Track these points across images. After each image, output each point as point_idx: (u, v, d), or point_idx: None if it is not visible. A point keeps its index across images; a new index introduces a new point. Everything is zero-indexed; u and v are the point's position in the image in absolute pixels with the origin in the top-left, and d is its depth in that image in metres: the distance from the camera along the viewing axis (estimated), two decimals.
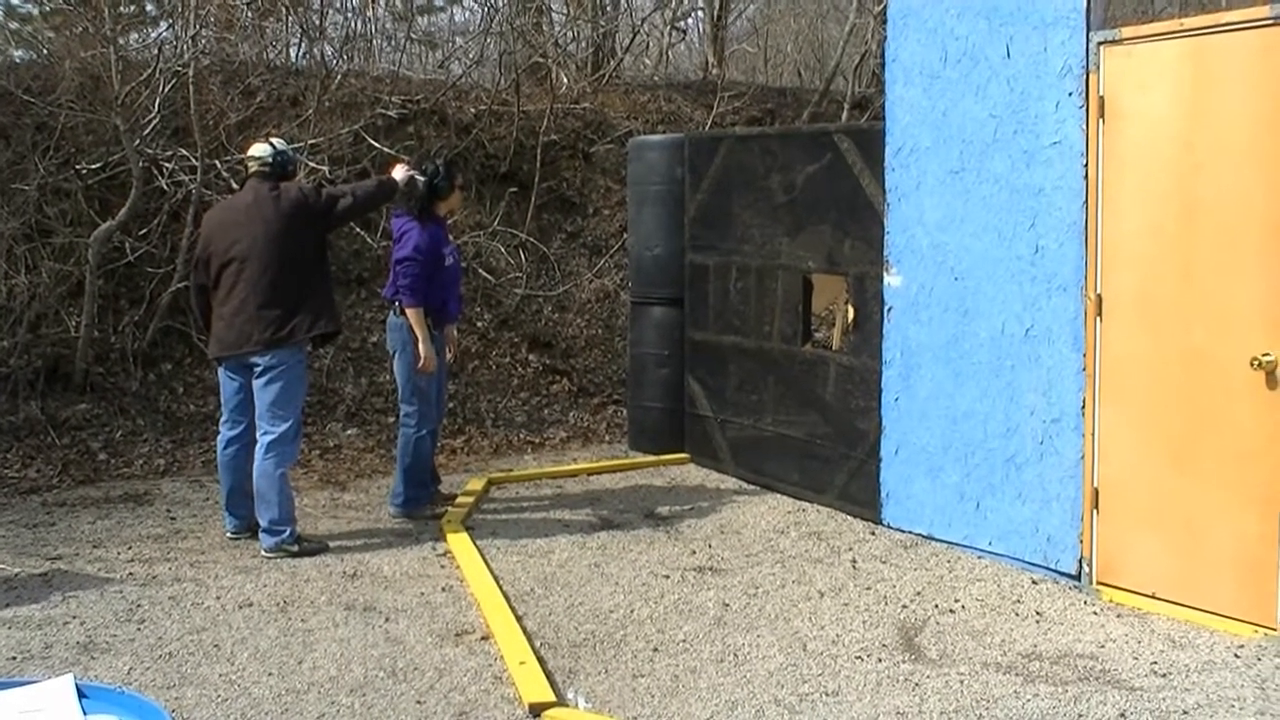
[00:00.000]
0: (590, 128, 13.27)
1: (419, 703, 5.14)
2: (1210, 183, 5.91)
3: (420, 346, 7.62)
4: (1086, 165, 6.39)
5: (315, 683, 5.34)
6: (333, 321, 7.24)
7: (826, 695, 5.26)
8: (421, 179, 7.73)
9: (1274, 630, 5.80)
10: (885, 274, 7.61)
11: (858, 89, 15.60)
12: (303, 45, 12.53)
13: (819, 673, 5.50)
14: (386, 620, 6.09)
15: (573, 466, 9.34)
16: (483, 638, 5.87)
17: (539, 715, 5.02)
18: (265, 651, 5.69)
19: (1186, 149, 6.00)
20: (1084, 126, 6.39)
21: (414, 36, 16.93)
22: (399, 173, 7.65)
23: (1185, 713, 5.07)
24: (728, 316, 9.07)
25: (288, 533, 7.05)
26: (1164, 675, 5.45)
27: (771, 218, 8.61)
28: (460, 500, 8.15)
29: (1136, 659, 5.65)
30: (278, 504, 7.01)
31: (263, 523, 7.06)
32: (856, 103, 15.24)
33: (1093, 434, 6.47)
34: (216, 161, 10.09)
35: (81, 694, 2.65)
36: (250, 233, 7.05)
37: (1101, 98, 6.31)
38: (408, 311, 7.63)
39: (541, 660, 5.56)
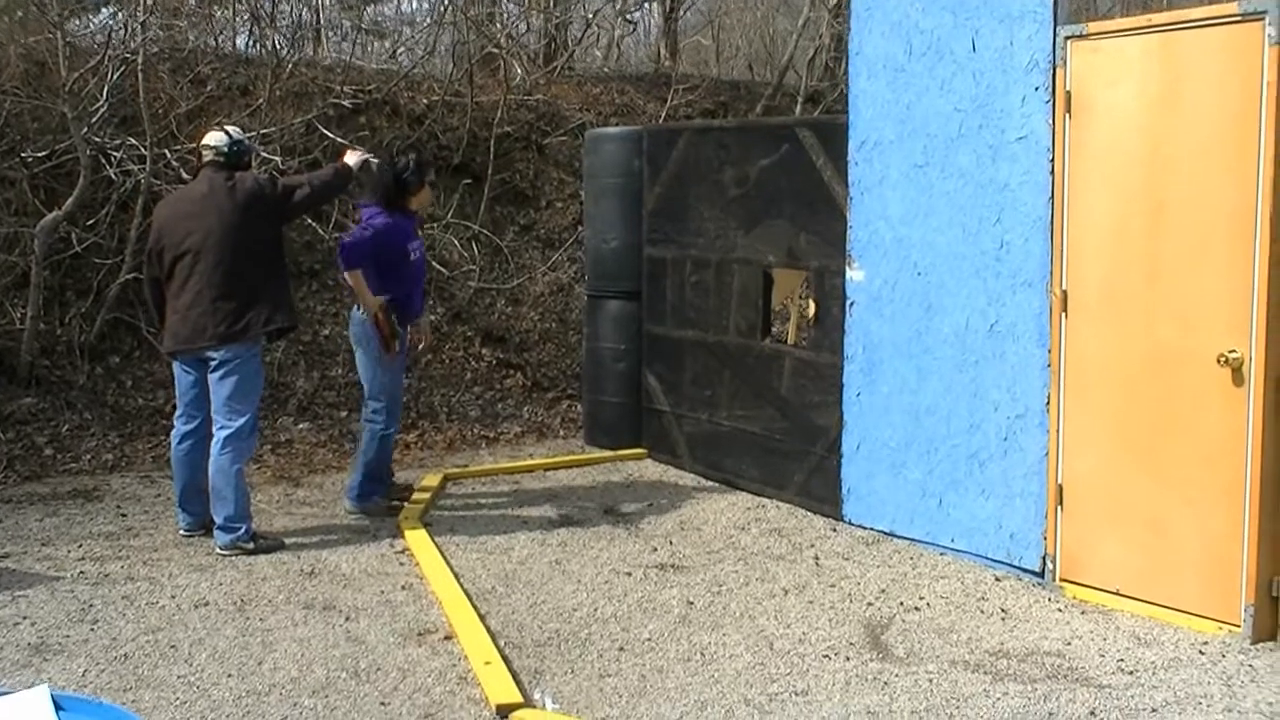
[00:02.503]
0: (543, 119, 13.16)
1: (383, 704, 5.05)
2: (1177, 179, 5.89)
3: (363, 300, 7.50)
4: (1053, 160, 6.37)
5: (277, 684, 5.23)
6: (289, 316, 7.10)
7: (796, 695, 5.21)
8: (375, 161, 7.59)
9: (1238, 628, 5.80)
10: (847, 268, 7.57)
11: (811, 83, 15.56)
12: (253, 33, 12.34)
13: (787, 672, 5.44)
14: (347, 619, 5.99)
15: (530, 462, 9.24)
16: (446, 637, 5.78)
17: (506, 716, 4.94)
18: (224, 652, 5.57)
19: (1154, 145, 5.98)
20: (1050, 121, 6.37)
21: (361, 26, 16.78)
22: (351, 158, 7.50)
23: (1154, 710, 5.06)
24: (686, 311, 9.00)
25: (243, 530, 6.92)
26: (1131, 673, 5.44)
27: (731, 211, 8.55)
28: (417, 497, 8.03)
29: (1103, 656, 5.63)
30: (233, 500, 6.88)
31: (218, 519, 6.93)
32: (809, 96, 15.20)
33: (1057, 430, 6.45)
34: (166, 151, 9.92)
35: (58, 705, 2.54)
36: (204, 224, 6.90)
37: (1068, 93, 6.28)
38: (346, 275, 7.50)
39: (507, 660, 5.47)
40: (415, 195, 7.75)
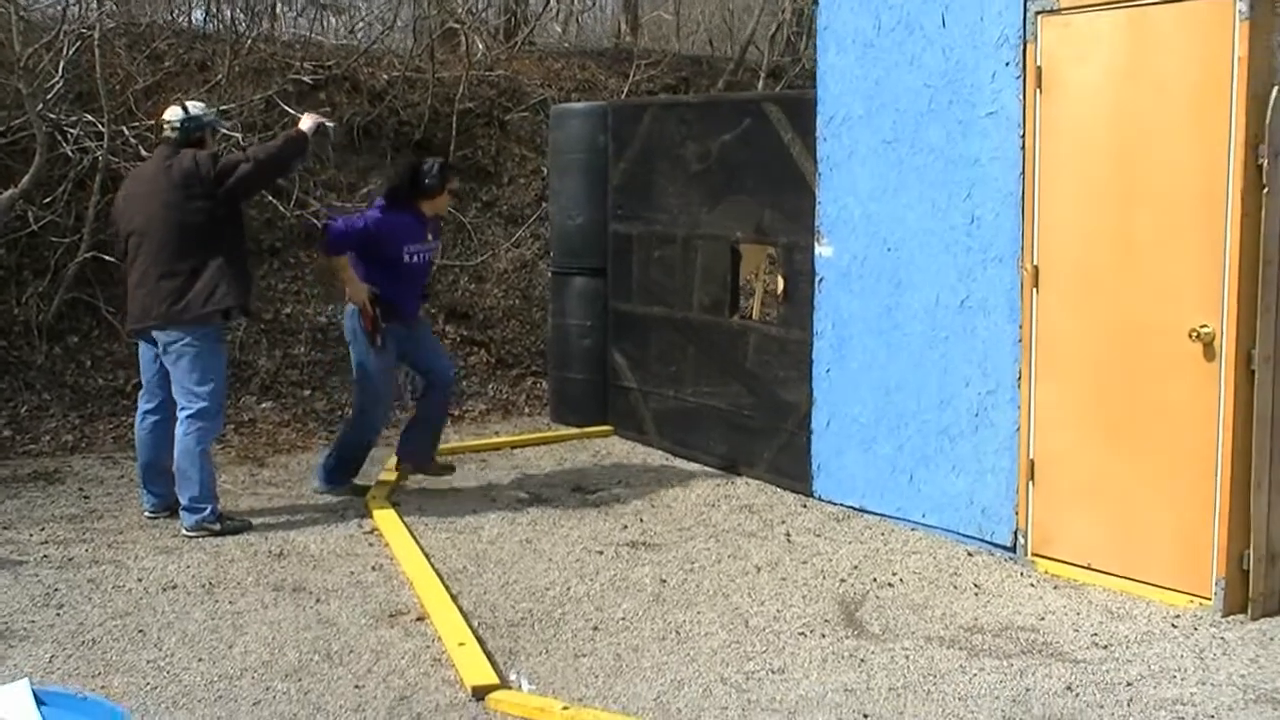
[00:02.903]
0: (505, 95, 13.05)
1: (357, 687, 4.99)
2: (1149, 154, 5.89)
3: (349, 289, 7.46)
4: (1023, 136, 6.35)
5: (248, 668, 5.17)
6: (233, 296, 6.82)
7: (773, 673, 5.19)
8: (331, 125, 7.37)
9: (1208, 600, 5.83)
10: (816, 244, 7.54)
11: (773, 58, 15.50)
12: (210, 8, 12.18)
13: (763, 650, 5.43)
14: (318, 601, 5.93)
15: (496, 440, 9.20)
16: (418, 618, 5.73)
17: (482, 698, 4.89)
18: (194, 636, 5.50)
19: (1125, 120, 5.97)
20: (1021, 97, 6.35)
21: (320, 1, 16.60)
22: (306, 123, 7.21)
23: (1129, 684, 5.07)
24: (653, 287, 8.96)
25: (208, 510, 6.84)
26: (1105, 647, 5.45)
27: (697, 187, 8.51)
28: (383, 476, 7.96)
29: (1077, 631, 5.64)
30: (198, 481, 6.80)
31: (183, 500, 6.85)
32: (771, 71, 15.14)
33: (1029, 406, 6.45)
34: (124, 128, 9.77)
35: (40, 700, 2.48)
36: (149, 204, 6.84)
37: (1039, 68, 6.27)
38: (331, 258, 7.51)
39: (481, 641, 5.43)
40: (431, 199, 7.58)
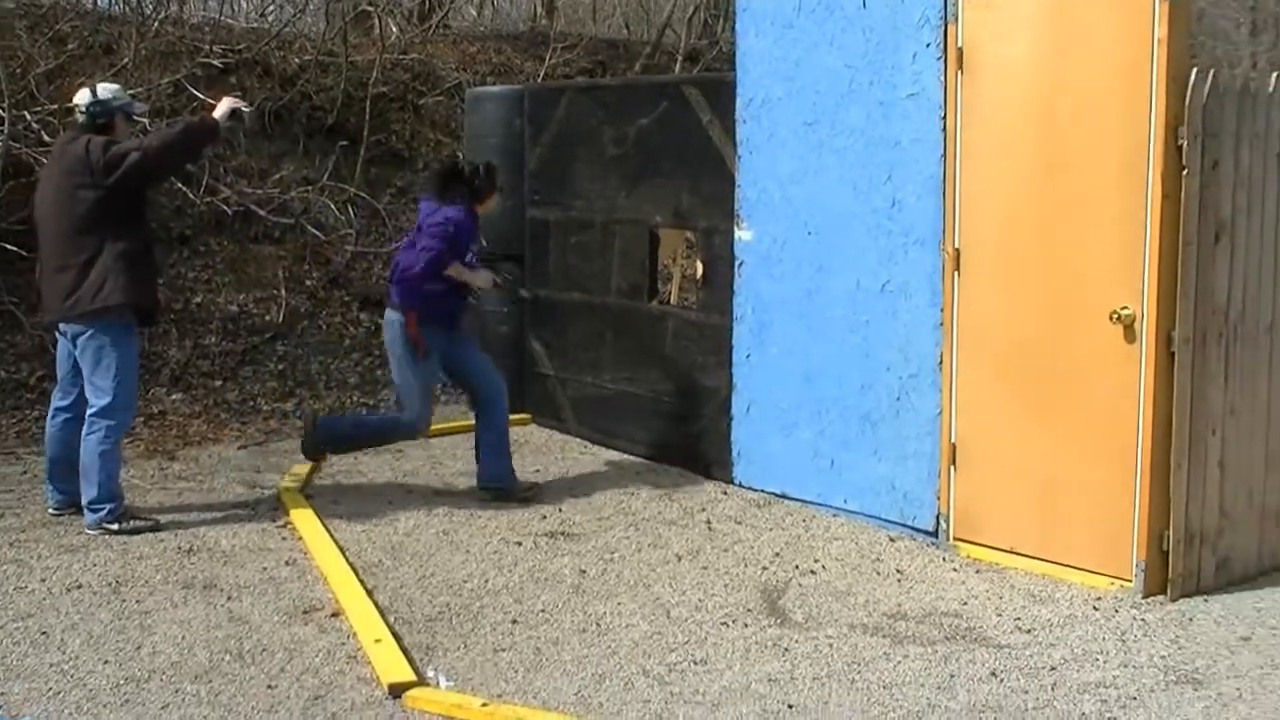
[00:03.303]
0: (419, 79, 12.87)
1: (270, 687, 4.84)
2: (1070, 135, 5.86)
3: (474, 281, 7.30)
4: (945, 118, 6.30)
5: (157, 669, 4.99)
6: (122, 293, 6.47)
7: (695, 664, 5.10)
8: (248, 109, 7.00)
9: (1129, 583, 5.82)
10: (736, 228, 7.46)
11: (690, 40, 15.42)
12: None
13: (685, 640, 5.34)
14: (229, 598, 5.75)
15: None
16: (333, 614, 5.58)
17: (399, 696, 4.76)
18: (99, 637, 5.30)
19: (1046, 101, 5.94)
20: (942, 78, 6.30)
21: None
22: (221, 107, 6.85)
23: (1053, 668, 5.05)
24: (570, 273, 8.84)
25: (106, 510, 6.59)
26: (1028, 631, 5.42)
27: (616, 171, 8.40)
28: (296, 469, 7.79)
29: (1000, 615, 5.61)
30: (97, 482, 6.55)
31: (84, 500, 6.63)
32: (689, 54, 15.06)
33: (950, 390, 6.41)
34: (25, 113, 9.49)
35: None
36: (45, 192, 6.63)
37: (960, 49, 6.22)
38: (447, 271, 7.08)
39: (397, 636, 5.29)
40: (483, 201, 7.35)
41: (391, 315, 7.21)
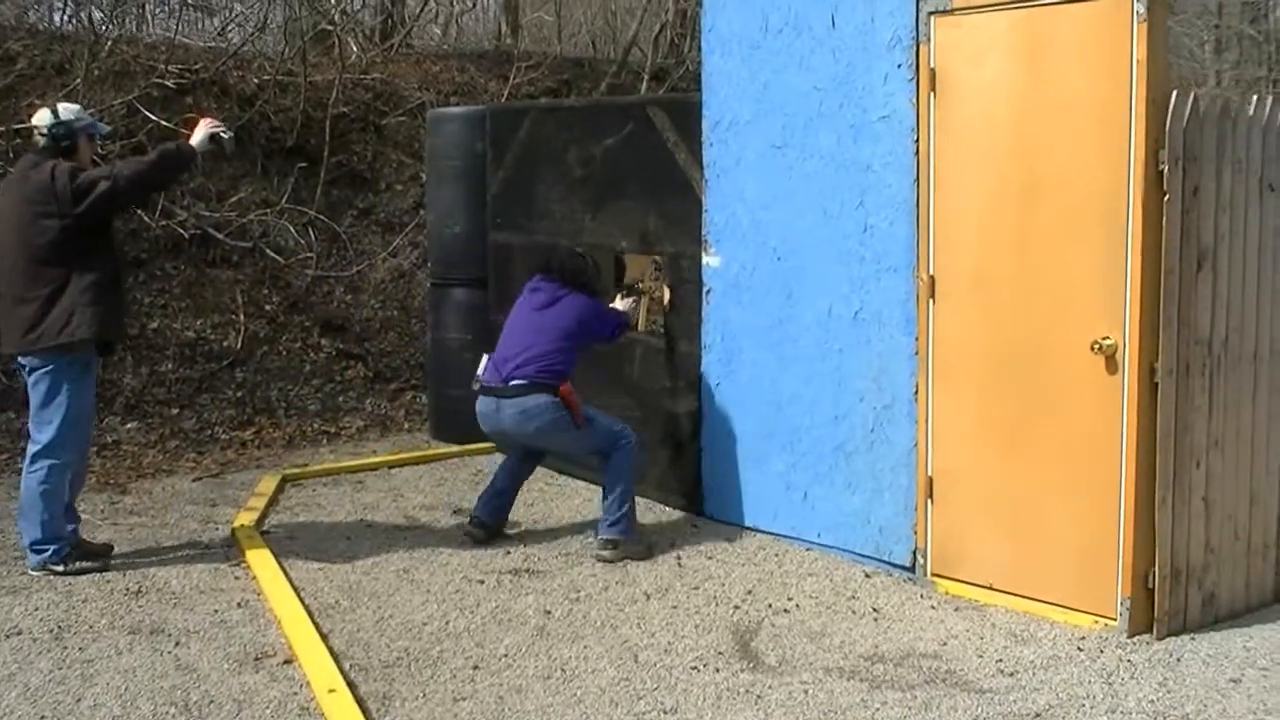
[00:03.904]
0: (381, 99, 12.65)
1: None
2: (1047, 159, 5.68)
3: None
4: (917, 140, 6.12)
5: None
6: (88, 326, 6.19)
7: (665, 713, 4.88)
8: (228, 135, 6.65)
9: (1114, 621, 5.64)
10: (704, 254, 7.26)
11: (656, 60, 15.24)
12: (68, 7, 11.62)
13: (654, 687, 5.11)
14: (177, 645, 5.49)
15: (373, 459, 8.80)
16: (285, 661, 5.33)
17: None
18: (37, 689, 5.03)
19: (1022, 124, 5.76)
20: (914, 100, 6.12)
21: (187, 1, 16.03)
22: (199, 133, 6.56)
23: (1037, 715, 4.87)
24: None
25: (49, 552, 6.30)
26: (1011, 674, 5.23)
27: (580, 195, 8.19)
28: (252, 503, 7.54)
29: (981, 657, 5.41)
30: (39, 522, 6.26)
31: (25, 540, 6.35)
32: (655, 74, 14.89)
33: (926, 420, 6.22)
34: None
35: None
36: (5, 219, 6.32)
37: (933, 70, 6.03)
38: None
39: (352, 685, 5.05)
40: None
41: (533, 401, 6.71)
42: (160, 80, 10.86)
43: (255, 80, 11.79)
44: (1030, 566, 5.91)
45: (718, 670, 5.29)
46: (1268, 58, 23.78)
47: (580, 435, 6.81)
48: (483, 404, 6.85)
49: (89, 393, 6.45)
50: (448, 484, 8.27)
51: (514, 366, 6.72)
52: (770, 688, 5.11)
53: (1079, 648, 5.50)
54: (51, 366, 6.23)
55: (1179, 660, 5.37)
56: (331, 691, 4.93)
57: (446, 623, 5.80)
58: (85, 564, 6.38)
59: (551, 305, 6.87)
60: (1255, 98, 5.83)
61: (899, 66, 6.17)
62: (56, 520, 6.35)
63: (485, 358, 7.02)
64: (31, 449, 6.31)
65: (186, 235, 10.29)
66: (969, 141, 5.94)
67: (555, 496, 7.92)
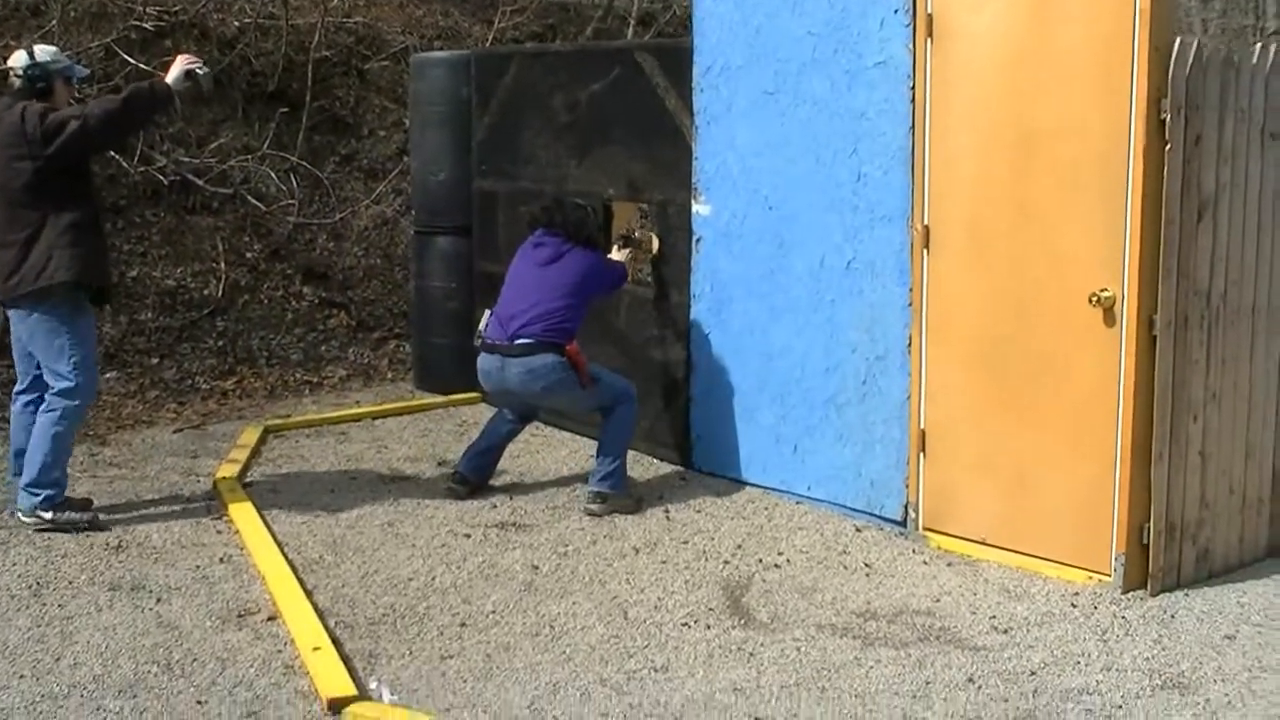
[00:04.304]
0: (363, 43, 12.44)
1: (200, 703, 4.50)
2: (1047, 108, 5.56)
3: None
4: (914, 88, 5.99)
5: (77, 684, 4.63)
6: (68, 269, 6.05)
7: (656, 671, 4.81)
8: (204, 71, 6.39)
9: (1108, 577, 5.57)
10: (694, 202, 7.14)
11: (643, 3, 15.01)
12: None
13: (644, 645, 5.04)
14: (158, 601, 5.39)
15: (357, 410, 8.69)
16: (269, 618, 5.23)
17: (339, 712, 4.43)
18: (15, 647, 4.93)
19: (1022, 72, 5.63)
20: (910, 46, 5.99)
21: None
22: (175, 70, 6.33)
23: (1033, 673, 4.80)
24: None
25: (44, 496, 6.19)
26: (1005, 631, 5.16)
27: (567, 142, 8.04)
28: (234, 455, 7.43)
29: (974, 613, 5.35)
30: (41, 464, 6.13)
31: (23, 480, 6.23)
32: (641, 18, 14.67)
33: (920, 373, 6.13)
34: None
35: None
36: None
37: (930, 15, 5.90)
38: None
39: (338, 643, 4.96)
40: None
41: (540, 360, 6.57)
42: (138, 23, 10.64)
43: (236, 23, 11.58)
44: (1024, 521, 5.83)
45: (709, 627, 5.21)
46: (1254, 6, 23.62)
47: (586, 395, 6.70)
48: (486, 361, 6.71)
49: (88, 336, 6.33)
50: (432, 435, 8.17)
51: (520, 325, 6.58)
52: (762, 645, 5.03)
53: (1073, 604, 5.43)
54: (39, 313, 6.11)
55: (1173, 617, 5.31)
56: (316, 649, 4.84)
57: (432, 578, 5.71)
58: (75, 516, 6.25)
59: (556, 260, 6.73)
60: (1259, 46, 5.72)
61: (895, 12, 6.03)
62: (59, 466, 6.25)
63: (487, 313, 6.89)
64: (49, 392, 6.21)
65: (166, 181, 10.11)
66: (967, 89, 5.82)
67: (541, 448, 7.83)
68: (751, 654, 4.95)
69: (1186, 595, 5.53)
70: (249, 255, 10.39)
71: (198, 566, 5.80)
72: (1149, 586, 5.53)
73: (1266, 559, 6.01)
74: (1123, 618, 5.29)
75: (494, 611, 5.35)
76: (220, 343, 9.62)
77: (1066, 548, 5.71)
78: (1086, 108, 5.43)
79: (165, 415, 8.51)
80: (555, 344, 6.54)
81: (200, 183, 10.21)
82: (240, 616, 5.26)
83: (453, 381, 9.07)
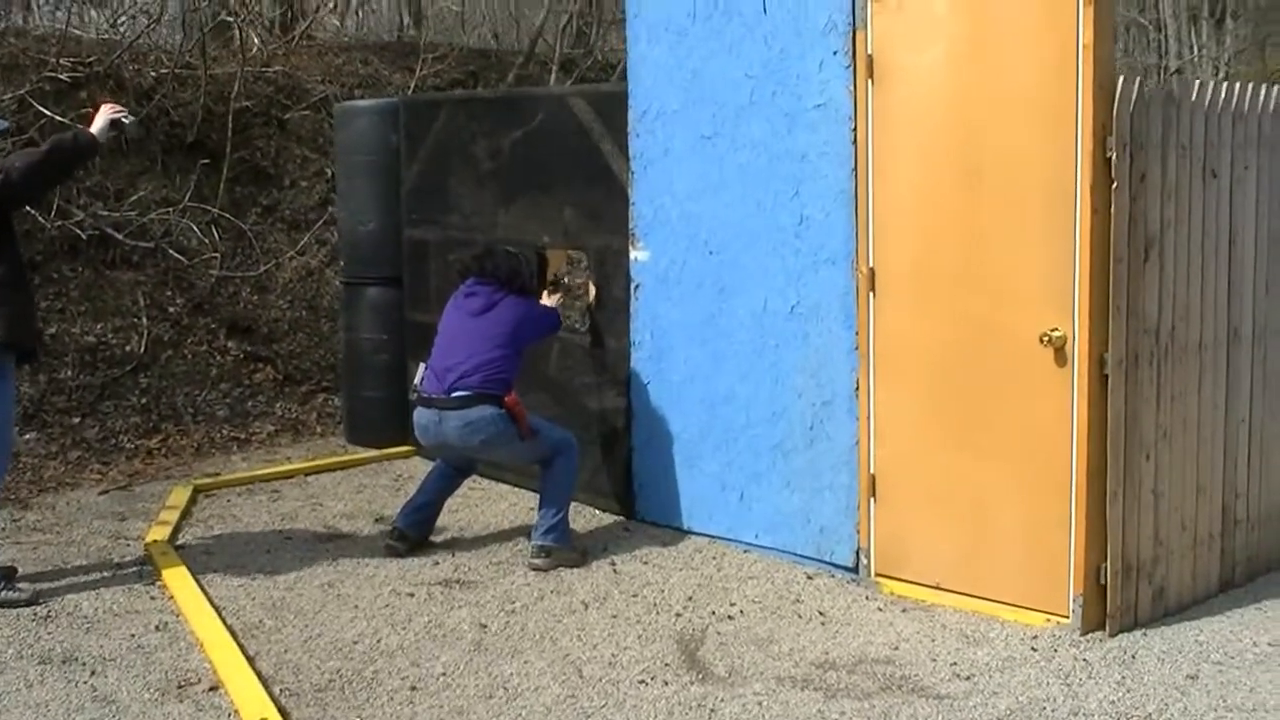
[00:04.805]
0: (283, 93, 12.25)
1: None
2: (991, 147, 5.53)
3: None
4: (855, 129, 5.95)
5: None
6: None
7: None
8: (130, 120, 6.23)
9: (1066, 619, 5.51)
10: (631, 248, 7.05)
11: (564, 49, 14.97)
12: None
13: (602, 704, 4.89)
14: (92, 674, 5.16)
15: (288, 466, 8.49)
16: (211, 688, 5.03)
17: None
18: None
19: (965, 111, 5.60)
20: (851, 87, 5.94)
21: None
22: (99, 120, 6.14)
23: None
24: None
25: None
26: (967, 678, 5.08)
27: (500, 189, 7.92)
28: (164, 516, 7.20)
29: (934, 660, 5.26)
30: None
31: None
32: (562, 64, 14.62)
33: (868, 417, 6.05)
34: None
35: None
36: None
37: (870, 56, 5.86)
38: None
39: (285, 713, 4.77)
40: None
41: (478, 413, 6.41)
42: (52, 74, 10.41)
43: (153, 73, 11.34)
44: (979, 565, 5.77)
45: (666, 683, 5.08)
46: (1157, 45, 24.03)
47: (526, 446, 6.56)
48: (423, 415, 6.55)
49: (6, 396, 6.05)
50: (367, 490, 7.98)
51: (456, 377, 6.43)
52: (723, 700, 4.91)
53: (1033, 648, 5.36)
54: None
55: (1134, 658, 5.25)
56: None
57: (378, 640, 5.54)
58: (10, 594, 5.95)
59: (489, 310, 6.59)
60: (1198, 83, 5.73)
61: (835, 53, 5.99)
62: None
63: (421, 366, 6.73)
64: None
65: (84, 236, 9.86)
66: (910, 130, 5.78)
67: (480, 501, 7.67)
68: (712, 710, 4.83)
69: (1145, 635, 5.48)
70: (171, 310, 10.15)
71: (132, 635, 5.58)
72: (1107, 627, 5.47)
73: (1219, 594, 5.98)
74: (1084, 660, 5.22)
75: (444, 674, 5.19)
76: (144, 400, 9.37)
77: (1022, 590, 5.64)
78: (1031, 147, 5.40)
79: (89, 476, 8.25)
80: (493, 395, 6.41)
81: (119, 236, 9.96)
82: (180, 687, 5.05)
83: (385, 435, 8.90)
